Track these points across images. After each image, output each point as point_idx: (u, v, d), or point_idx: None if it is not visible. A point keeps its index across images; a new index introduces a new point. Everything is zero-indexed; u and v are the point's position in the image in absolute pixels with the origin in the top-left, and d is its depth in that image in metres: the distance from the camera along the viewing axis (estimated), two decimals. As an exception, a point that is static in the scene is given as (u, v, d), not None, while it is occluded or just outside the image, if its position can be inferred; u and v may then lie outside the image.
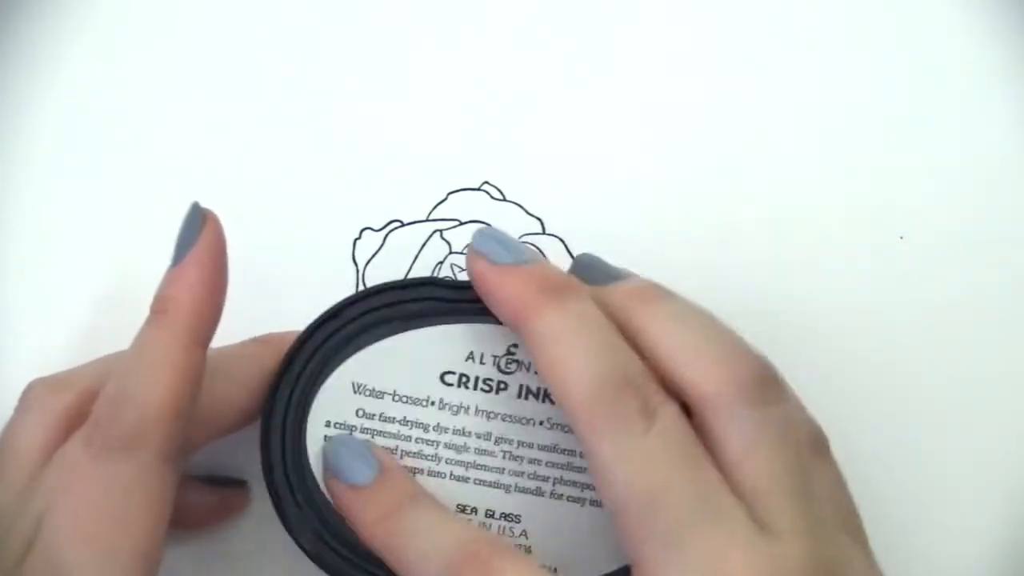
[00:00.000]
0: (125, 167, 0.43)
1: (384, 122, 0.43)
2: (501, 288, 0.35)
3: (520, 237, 0.41)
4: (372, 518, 0.35)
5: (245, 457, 0.39)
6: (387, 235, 0.41)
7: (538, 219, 0.41)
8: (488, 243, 0.35)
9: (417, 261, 0.41)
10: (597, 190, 0.42)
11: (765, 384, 0.33)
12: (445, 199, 0.42)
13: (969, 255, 0.44)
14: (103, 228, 0.42)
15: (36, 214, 0.43)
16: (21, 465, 0.35)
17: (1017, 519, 0.43)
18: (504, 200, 0.41)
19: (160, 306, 0.35)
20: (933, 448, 0.41)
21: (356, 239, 0.41)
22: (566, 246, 0.41)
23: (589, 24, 0.44)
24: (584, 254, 0.37)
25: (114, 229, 0.42)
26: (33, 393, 0.37)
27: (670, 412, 0.33)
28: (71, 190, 0.43)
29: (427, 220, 0.41)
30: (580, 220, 0.42)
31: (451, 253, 0.41)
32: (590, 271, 0.36)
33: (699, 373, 0.33)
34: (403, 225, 0.41)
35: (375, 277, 0.41)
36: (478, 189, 0.41)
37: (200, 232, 0.35)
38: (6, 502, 0.34)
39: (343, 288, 0.41)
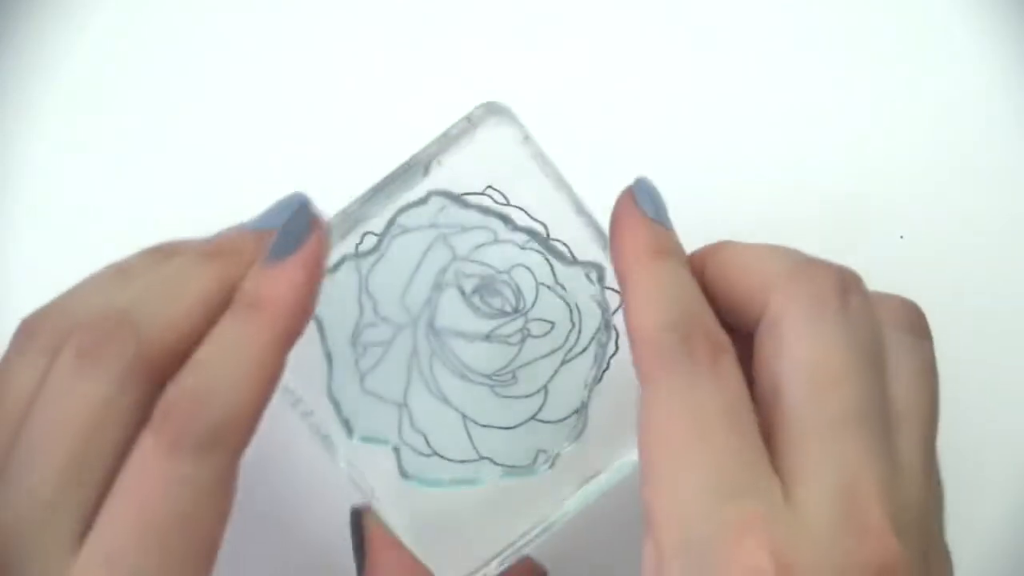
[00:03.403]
0: (123, 166, 0.43)
1: (385, 124, 0.43)
2: (629, 230, 0.37)
3: (526, 243, 0.41)
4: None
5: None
6: (390, 240, 0.41)
7: (542, 224, 0.41)
8: (645, 192, 0.37)
9: (420, 266, 0.41)
10: (597, 190, 0.42)
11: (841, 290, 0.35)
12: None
13: (969, 255, 0.44)
14: (101, 228, 0.41)
15: (36, 211, 0.43)
16: (13, 405, 0.33)
17: (1017, 518, 0.44)
18: (507, 204, 0.41)
19: (253, 301, 0.34)
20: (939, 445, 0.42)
21: (358, 244, 0.41)
22: (569, 250, 0.41)
23: (587, 27, 0.44)
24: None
25: (112, 229, 0.42)
26: (33, 334, 0.35)
27: (728, 364, 0.33)
28: (69, 191, 0.43)
29: (430, 225, 0.41)
30: (580, 222, 0.42)
31: (455, 259, 0.41)
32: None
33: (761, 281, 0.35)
34: (406, 231, 0.41)
35: (377, 282, 0.41)
36: (481, 193, 0.41)
37: (308, 234, 0.35)
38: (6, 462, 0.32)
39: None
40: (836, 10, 0.44)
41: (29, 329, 0.35)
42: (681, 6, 0.45)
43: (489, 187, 0.41)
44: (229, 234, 0.37)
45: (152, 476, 0.31)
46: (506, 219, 0.41)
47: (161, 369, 0.33)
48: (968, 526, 0.43)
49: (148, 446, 0.31)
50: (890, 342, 0.35)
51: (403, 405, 0.41)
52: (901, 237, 0.44)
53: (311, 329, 0.38)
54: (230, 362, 0.33)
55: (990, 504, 0.44)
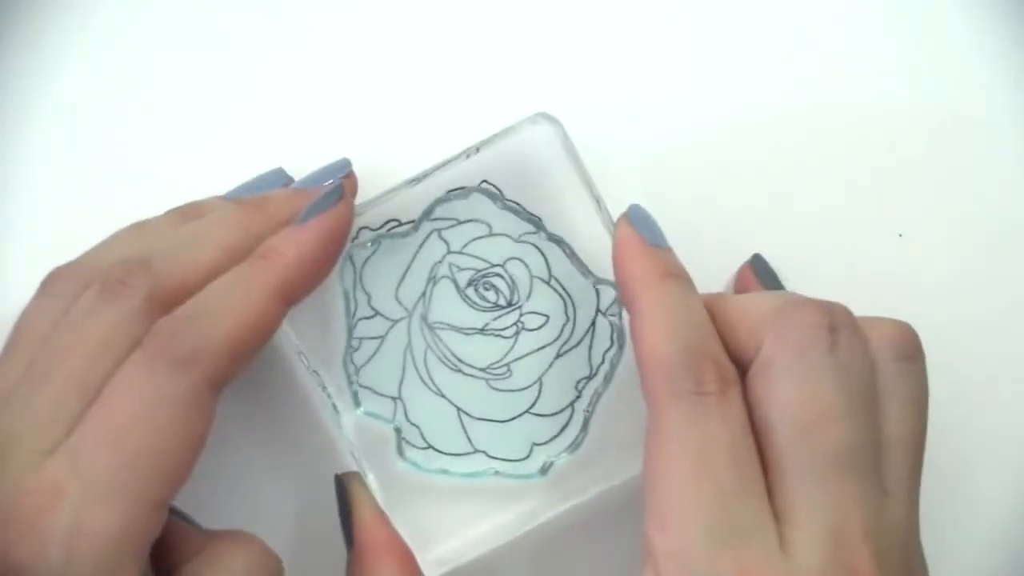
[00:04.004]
0: (123, 165, 0.44)
1: (380, 121, 0.43)
2: (632, 257, 0.37)
3: (519, 236, 0.41)
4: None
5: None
6: (385, 234, 0.41)
7: (537, 218, 0.41)
8: (640, 220, 0.38)
9: (415, 260, 0.41)
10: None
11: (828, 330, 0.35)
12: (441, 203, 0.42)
13: (968, 254, 0.44)
14: (101, 228, 0.41)
15: (36, 210, 0.43)
16: (34, 338, 0.35)
17: (1018, 518, 0.43)
18: (502, 199, 0.41)
19: (263, 252, 0.36)
20: (934, 446, 0.41)
21: (353, 238, 0.41)
22: (564, 246, 0.41)
23: (584, 29, 0.44)
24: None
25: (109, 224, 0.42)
26: (59, 279, 0.37)
27: (734, 397, 0.34)
28: (68, 191, 0.44)
29: (425, 219, 0.41)
30: (577, 219, 0.42)
31: (449, 253, 0.41)
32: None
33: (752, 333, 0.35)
34: (400, 224, 0.41)
35: (372, 277, 0.41)
36: (476, 188, 0.41)
37: (333, 205, 0.37)
38: (18, 381, 0.35)
39: (336, 307, 0.41)
40: (835, 10, 0.44)
41: (55, 277, 0.37)
42: (680, 11, 0.45)
43: (484, 182, 0.41)
44: (265, 191, 0.40)
45: (128, 386, 0.33)
46: (538, 224, 0.41)
47: (174, 304, 0.35)
48: (963, 529, 0.43)
49: (132, 360, 0.34)
50: (882, 372, 0.35)
51: (397, 398, 0.41)
52: (900, 236, 0.44)
53: (336, 302, 0.41)
54: (220, 296, 0.35)
55: (986, 505, 0.43)
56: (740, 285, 0.41)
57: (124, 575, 0.33)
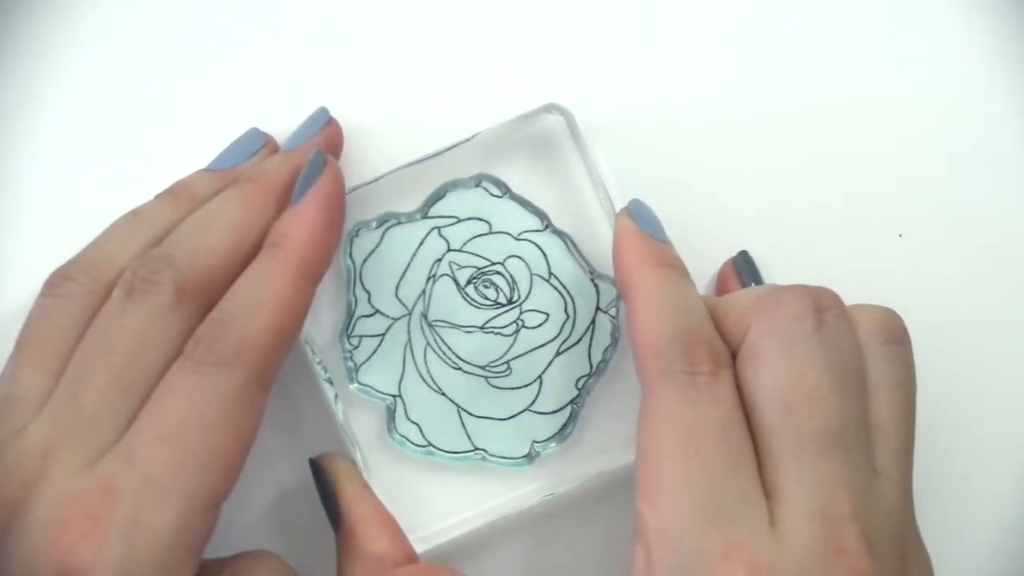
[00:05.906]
0: (124, 167, 0.44)
1: (387, 110, 0.43)
2: (630, 247, 0.38)
3: (520, 233, 0.41)
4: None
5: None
6: (384, 232, 0.41)
7: (539, 215, 0.41)
8: (640, 214, 0.39)
9: (415, 258, 0.41)
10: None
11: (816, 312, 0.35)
12: (443, 196, 0.42)
13: (968, 254, 0.44)
14: (98, 223, 0.41)
15: (36, 210, 0.43)
16: (61, 340, 0.36)
17: (1018, 519, 0.43)
18: (502, 196, 0.41)
19: (274, 240, 0.37)
20: (935, 446, 0.41)
21: (353, 236, 0.41)
22: (566, 241, 0.41)
23: (585, 29, 0.44)
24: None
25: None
26: (66, 278, 0.37)
27: (726, 378, 0.34)
28: (68, 191, 0.44)
29: (424, 217, 0.41)
30: (584, 210, 0.42)
31: (449, 250, 0.41)
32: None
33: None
34: (400, 223, 0.41)
35: (372, 275, 0.41)
36: (476, 185, 0.41)
37: (320, 173, 0.38)
38: (44, 386, 0.35)
39: (338, 281, 0.41)
40: (835, 10, 0.44)
41: (64, 274, 0.37)
42: (689, 7, 0.45)
43: (483, 175, 0.41)
44: (245, 155, 0.41)
45: (178, 390, 0.34)
46: (543, 216, 0.41)
47: (202, 294, 0.36)
48: (963, 530, 0.43)
49: (178, 367, 0.35)
50: (870, 356, 0.35)
51: (397, 396, 0.41)
52: (900, 236, 0.44)
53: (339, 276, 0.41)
54: (249, 293, 0.36)
55: (986, 506, 0.43)
56: (720, 280, 0.42)
57: (182, 570, 0.33)
